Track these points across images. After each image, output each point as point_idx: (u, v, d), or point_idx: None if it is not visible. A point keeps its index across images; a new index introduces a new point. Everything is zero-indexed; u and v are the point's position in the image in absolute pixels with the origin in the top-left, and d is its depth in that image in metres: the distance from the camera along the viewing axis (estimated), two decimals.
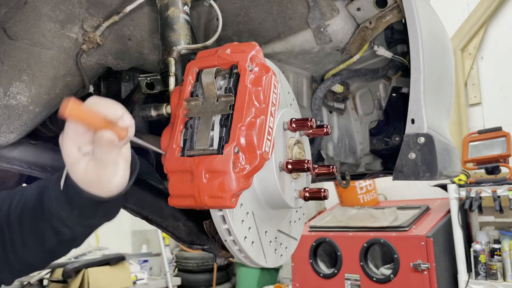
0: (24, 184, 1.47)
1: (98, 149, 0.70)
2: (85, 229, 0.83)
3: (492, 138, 3.50)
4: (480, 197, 3.28)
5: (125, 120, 0.71)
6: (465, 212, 3.58)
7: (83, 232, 0.84)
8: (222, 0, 1.18)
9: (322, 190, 1.00)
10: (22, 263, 0.85)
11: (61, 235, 0.81)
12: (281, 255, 1.06)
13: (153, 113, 0.97)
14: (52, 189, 0.79)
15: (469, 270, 3.34)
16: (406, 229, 3.35)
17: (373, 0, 1.17)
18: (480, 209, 3.28)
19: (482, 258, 3.29)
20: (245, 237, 0.90)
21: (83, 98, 1.33)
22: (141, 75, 1.14)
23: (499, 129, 3.54)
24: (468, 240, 3.53)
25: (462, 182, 3.46)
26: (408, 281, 3.20)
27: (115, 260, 4.23)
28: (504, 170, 3.44)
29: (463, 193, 3.39)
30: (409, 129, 1.11)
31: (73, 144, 0.71)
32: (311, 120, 0.98)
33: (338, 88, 1.50)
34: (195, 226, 1.27)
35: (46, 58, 1.02)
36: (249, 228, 0.92)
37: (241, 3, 1.19)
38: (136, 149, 1.27)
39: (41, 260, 0.88)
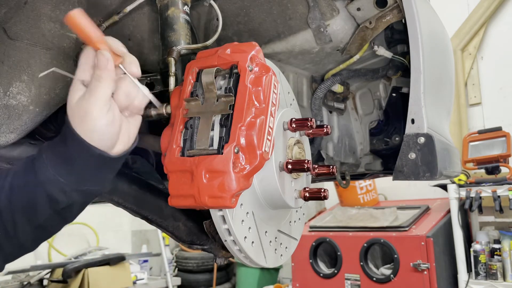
0: None
1: (94, 72, 0.73)
2: (80, 196, 0.80)
3: (492, 138, 3.50)
4: (480, 197, 3.28)
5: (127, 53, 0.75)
6: (465, 212, 3.58)
7: (78, 200, 0.81)
8: (222, 0, 1.18)
9: (322, 190, 1.00)
10: (13, 244, 0.81)
11: (56, 203, 0.77)
12: (281, 255, 1.06)
13: (153, 113, 0.96)
14: (46, 154, 0.77)
15: (469, 270, 3.34)
16: (406, 229, 3.35)
17: (373, 0, 1.17)
18: (480, 209, 3.29)
19: (482, 258, 3.29)
20: (245, 237, 0.90)
21: None
22: (141, 75, 1.14)
23: (499, 129, 3.54)
24: (468, 240, 3.53)
25: (462, 182, 3.46)
26: (408, 281, 3.20)
27: (115, 260, 4.24)
28: (504, 170, 3.44)
29: (463, 193, 3.39)
30: (409, 129, 1.11)
31: (78, 78, 0.74)
32: (311, 120, 0.98)
33: (338, 88, 1.50)
34: (195, 226, 1.27)
35: (46, 58, 1.02)
36: (249, 228, 0.92)
37: (241, 3, 1.19)
38: (136, 149, 1.27)
39: (32, 237, 0.83)
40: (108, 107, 0.74)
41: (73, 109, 0.75)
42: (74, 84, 0.76)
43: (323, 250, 3.78)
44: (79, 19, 0.70)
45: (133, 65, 0.80)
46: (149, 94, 0.84)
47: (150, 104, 0.96)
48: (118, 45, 0.77)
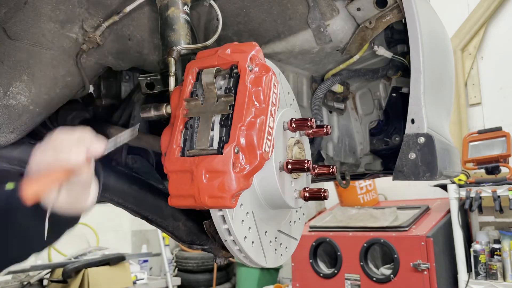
0: None
1: (74, 187, 0.74)
2: (55, 239, 0.84)
3: (492, 138, 3.50)
4: (480, 197, 3.28)
5: (87, 156, 0.73)
6: (465, 212, 3.58)
7: (52, 242, 0.85)
8: (222, 0, 1.18)
9: (322, 190, 1.00)
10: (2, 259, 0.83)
11: (31, 249, 0.81)
12: (281, 255, 1.06)
13: (153, 113, 0.96)
14: (22, 213, 0.77)
15: (469, 270, 3.34)
16: (406, 229, 3.35)
17: (373, 0, 1.17)
18: (480, 209, 3.28)
19: (482, 258, 3.29)
20: (245, 237, 0.90)
21: (83, 98, 1.33)
22: (141, 75, 1.14)
23: (499, 129, 3.54)
24: (468, 240, 3.53)
25: (462, 182, 3.46)
26: (408, 281, 3.20)
27: (115, 260, 4.23)
28: (504, 170, 3.44)
29: (463, 193, 3.39)
30: (409, 129, 1.11)
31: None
32: (311, 120, 0.98)
33: (338, 88, 1.50)
34: (195, 226, 1.27)
35: (46, 58, 1.02)
36: (249, 228, 0.92)
37: (241, 3, 1.19)
38: (136, 149, 1.27)
39: (18, 256, 0.85)
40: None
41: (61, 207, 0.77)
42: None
43: (323, 250, 3.77)
44: (34, 186, 0.70)
45: (96, 147, 0.76)
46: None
47: (150, 104, 0.96)
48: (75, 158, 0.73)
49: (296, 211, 1.17)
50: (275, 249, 1.03)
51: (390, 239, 3.32)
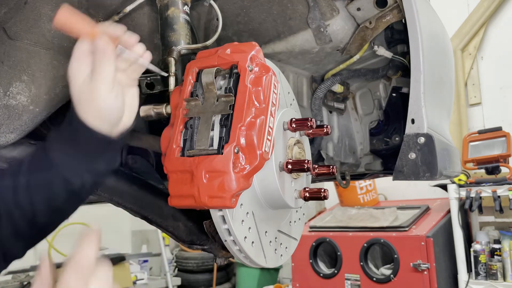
0: None
1: (95, 57, 0.76)
2: (92, 176, 0.85)
3: (492, 138, 3.50)
4: (480, 197, 3.28)
5: (116, 28, 0.79)
6: (465, 212, 3.58)
7: (91, 180, 0.86)
8: (222, 0, 1.18)
9: (322, 190, 1.00)
10: (33, 230, 0.85)
11: (70, 185, 0.82)
12: (281, 255, 1.06)
13: (153, 113, 0.96)
14: (55, 140, 0.82)
15: (469, 270, 3.34)
16: (406, 229, 3.35)
17: (373, 0, 1.17)
18: (480, 209, 3.29)
19: (482, 258, 3.29)
20: (245, 237, 0.90)
21: None
22: (141, 75, 1.14)
23: (499, 129, 3.54)
24: (468, 240, 3.53)
25: (462, 182, 3.46)
26: (408, 281, 3.20)
27: (115, 260, 4.23)
28: (504, 170, 3.44)
29: (463, 193, 3.39)
30: (409, 129, 1.11)
31: (77, 64, 0.78)
32: (311, 120, 0.98)
33: (338, 88, 1.50)
34: (195, 226, 1.26)
35: (46, 58, 1.02)
36: (249, 228, 0.92)
37: (241, 3, 1.19)
38: (136, 149, 1.27)
39: (51, 221, 0.88)
40: (112, 87, 0.79)
41: (79, 93, 0.79)
42: (73, 72, 0.80)
43: (323, 250, 3.78)
44: (69, 18, 0.73)
45: (131, 39, 0.84)
46: (149, 65, 0.88)
47: (150, 104, 0.96)
48: (112, 29, 0.79)
49: (296, 211, 1.17)
50: (275, 249, 1.03)
51: (390, 239, 3.32)
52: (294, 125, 0.99)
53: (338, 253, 3.57)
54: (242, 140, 0.82)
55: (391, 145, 1.44)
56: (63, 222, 0.93)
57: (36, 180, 0.83)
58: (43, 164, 0.83)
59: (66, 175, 0.81)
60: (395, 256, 3.27)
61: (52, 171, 0.82)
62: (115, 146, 0.85)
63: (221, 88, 0.89)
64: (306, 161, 0.96)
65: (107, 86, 0.77)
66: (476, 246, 3.35)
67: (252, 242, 0.92)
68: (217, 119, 0.85)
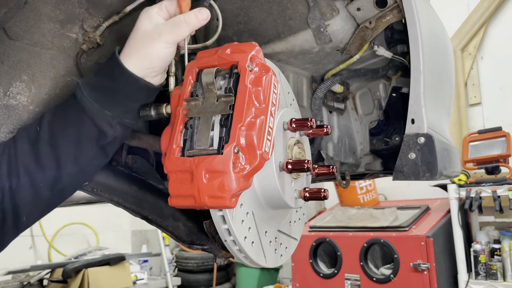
0: None
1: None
2: (121, 130, 0.86)
3: (492, 138, 3.50)
4: (480, 197, 3.28)
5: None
6: (465, 212, 3.58)
7: (119, 134, 0.87)
8: (222, 0, 1.18)
9: (322, 190, 1.00)
10: (53, 189, 0.83)
11: (104, 137, 0.82)
12: (281, 255, 1.06)
13: (153, 113, 0.96)
14: (88, 90, 0.81)
15: (469, 270, 3.34)
16: (406, 229, 3.35)
17: (373, 0, 1.17)
18: (480, 209, 3.29)
19: (482, 258, 3.29)
20: (245, 237, 0.90)
21: None
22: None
23: (499, 129, 3.54)
24: (468, 240, 3.53)
25: (462, 182, 3.46)
26: (408, 281, 3.20)
27: (115, 260, 4.23)
28: (504, 170, 3.45)
29: (463, 193, 3.39)
30: (409, 129, 1.11)
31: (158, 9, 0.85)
32: (311, 120, 0.98)
33: (338, 88, 1.50)
34: (195, 226, 1.26)
35: (46, 58, 1.02)
36: (249, 228, 0.92)
37: (241, 3, 1.19)
38: (136, 149, 1.27)
39: (73, 180, 0.86)
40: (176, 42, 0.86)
41: (142, 35, 0.83)
42: (154, 11, 0.86)
43: (323, 250, 3.78)
44: None
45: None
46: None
47: (150, 104, 0.96)
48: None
49: (296, 211, 1.17)
50: (275, 249, 1.03)
51: (390, 239, 3.32)
52: (294, 125, 0.99)
53: (338, 253, 3.57)
54: (242, 140, 0.82)
55: (391, 145, 1.44)
56: (84, 183, 0.91)
57: (65, 132, 0.80)
58: (75, 115, 0.80)
59: (100, 126, 0.80)
60: (395, 256, 3.27)
61: (85, 122, 0.80)
62: (152, 96, 0.88)
63: (221, 88, 0.89)
64: (306, 161, 0.96)
65: (173, 39, 0.83)
66: (476, 246, 3.35)
67: (252, 242, 0.92)
68: (217, 119, 0.85)
